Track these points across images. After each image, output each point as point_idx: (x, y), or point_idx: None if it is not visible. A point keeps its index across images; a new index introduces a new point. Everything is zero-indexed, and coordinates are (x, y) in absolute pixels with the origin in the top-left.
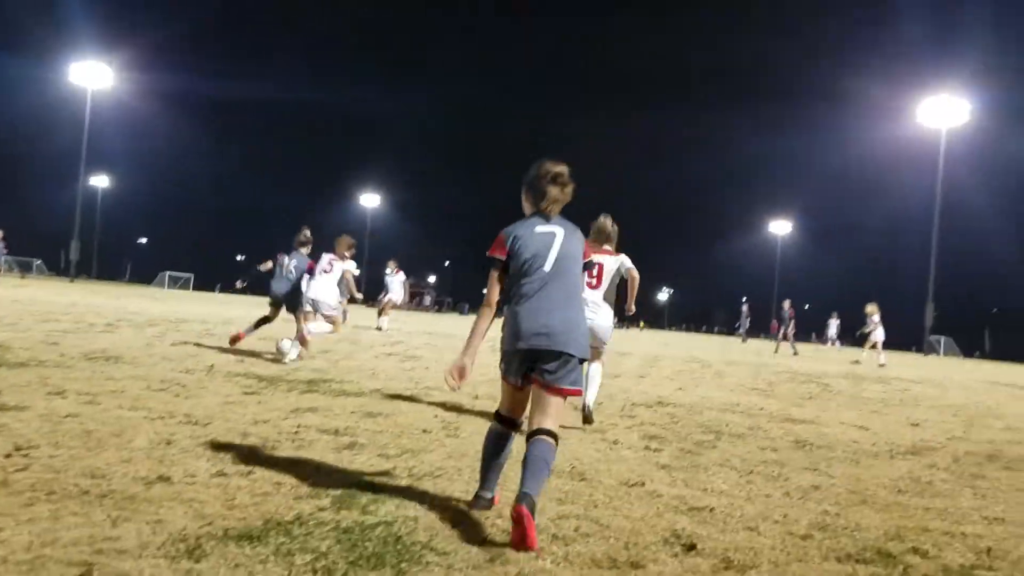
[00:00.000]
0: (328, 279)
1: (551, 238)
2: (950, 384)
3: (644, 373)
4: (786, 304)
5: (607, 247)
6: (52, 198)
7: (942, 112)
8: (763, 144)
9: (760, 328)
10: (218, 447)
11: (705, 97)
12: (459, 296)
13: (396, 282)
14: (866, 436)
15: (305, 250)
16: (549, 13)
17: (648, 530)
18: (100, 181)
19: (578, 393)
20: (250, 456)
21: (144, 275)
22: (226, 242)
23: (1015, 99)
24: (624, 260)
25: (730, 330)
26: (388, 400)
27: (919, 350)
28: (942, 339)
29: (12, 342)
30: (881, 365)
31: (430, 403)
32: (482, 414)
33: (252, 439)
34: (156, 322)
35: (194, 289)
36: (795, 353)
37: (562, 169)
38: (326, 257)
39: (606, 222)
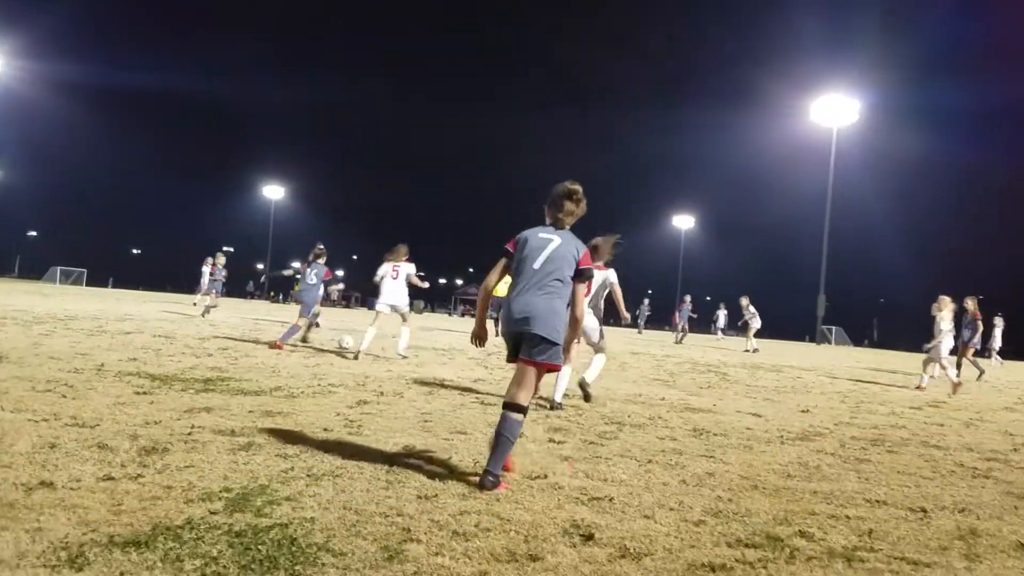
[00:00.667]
0: (399, 284)
1: (547, 243)
2: (839, 372)
3: None
4: (687, 299)
5: (598, 263)
6: None
7: (833, 111)
8: (664, 142)
9: (664, 320)
10: (106, 450)
11: (606, 96)
12: (369, 292)
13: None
14: (759, 423)
15: (322, 261)
16: (456, 12)
17: (548, 522)
18: None
19: (556, 368)
20: (140, 459)
21: (34, 270)
22: (120, 236)
23: (902, 98)
24: (610, 275)
25: (633, 323)
26: (289, 399)
27: (812, 340)
28: (833, 329)
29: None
30: (755, 351)
31: (333, 401)
32: (386, 411)
33: (143, 441)
34: (44, 319)
35: (87, 284)
36: (678, 342)
37: (577, 187)
38: (388, 265)
39: (598, 241)
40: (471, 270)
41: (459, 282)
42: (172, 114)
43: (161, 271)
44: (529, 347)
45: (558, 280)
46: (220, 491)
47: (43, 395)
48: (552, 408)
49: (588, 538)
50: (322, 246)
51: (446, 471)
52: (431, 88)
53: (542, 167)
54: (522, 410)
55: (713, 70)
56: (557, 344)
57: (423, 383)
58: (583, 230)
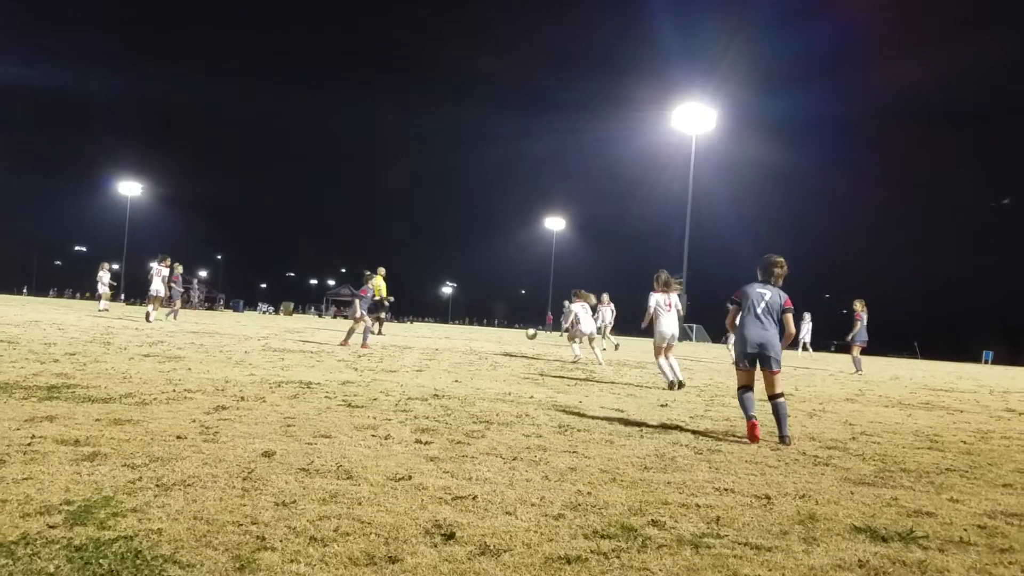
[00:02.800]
0: (588, 316)
1: (762, 296)
2: (697, 367)
3: (423, 367)
4: (566, 302)
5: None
6: None
7: (693, 119)
8: (534, 146)
9: (537, 319)
10: None
11: (477, 98)
12: (232, 292)
13: (158, 278)
14: (621, 418)
15: (372, 282)
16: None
17: (410, 523)
18: None
19: (778, 372)
20: None
21: None
22: None
23: (755, 107)
24: (674, 297)
25: (510, 323)
26: (141, 406)
27: None
28: (695, 327)
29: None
30: (616, 347)
31: (189, 407)
32: (246, 416)
33: None
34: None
35: None
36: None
37: (781, 260)
38: (578, 304)
39: (668, 277)
40: (343, 270)
41: (331, 283)
42: (14, 105)
43: (7, 271)
44: (765, 361)
45: (770, 319)
46: (60, 504)
47: None
48: (680, 386)
49: (449, 537)
50: (368, 272)
51: (306, 476)
52: (298, 85)
53: (412, 167)
54: (782, 395)
55: (582, 75)
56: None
57: (288, 386)
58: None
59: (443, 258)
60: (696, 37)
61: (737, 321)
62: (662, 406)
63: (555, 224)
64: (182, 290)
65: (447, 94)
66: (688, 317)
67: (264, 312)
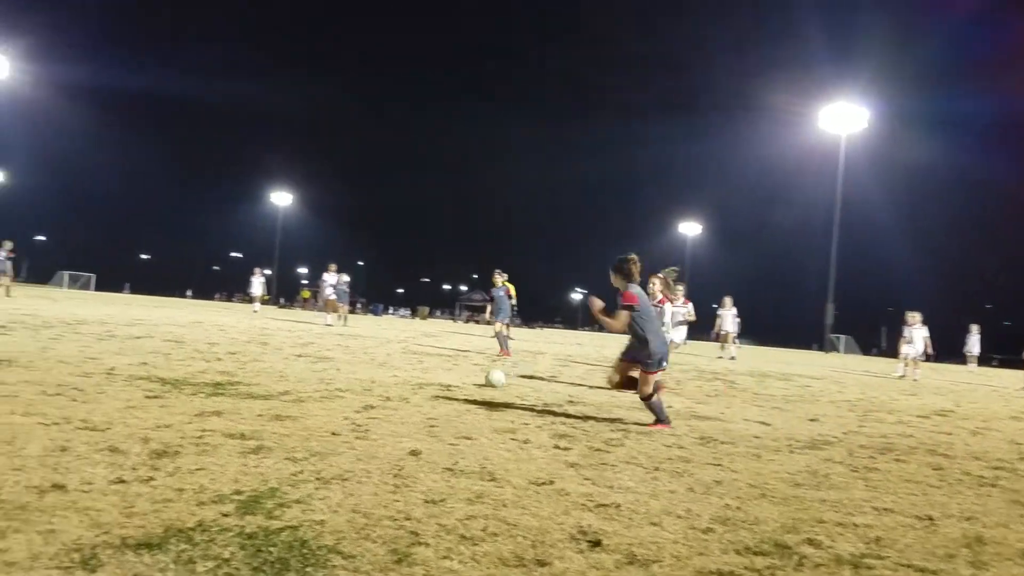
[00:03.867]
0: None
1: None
2: (848, 381)
3: (556, 373)
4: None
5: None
6: None
7: (842, 119)
8: (670, 150)
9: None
10: (117, 453)
11: (610, 103)
12: (372, 297)
13: (328, 283)
14: (767, 431)
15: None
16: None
17: (555, 528)
18: None
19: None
20: (151, 462)
21: (41, 275)
22: (129, 241)
23: (909, 106)
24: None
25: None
26: (297, 403)
27: (819, 348)
28: (842, 337)
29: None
30: (731, 358)
31: (340, 406)
32: (392, 416)
33: (154, 444)
34: (52, 324)
35: (96, 289)
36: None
37: (635, 257)
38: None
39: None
40: (475, 276)
41: (463, 288)
42: (179, 117)
43: (172, 276)
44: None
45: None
46: (231, 494)
47: (53, 399)
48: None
49: (595, 544)
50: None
51: (452, 476)
52: (437, 96)
53: (545, 174)
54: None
55: (719, 76)
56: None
57: (428, 388)
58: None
59: (574, 264)
60: (845, 31)
61: (642, 328)
62: (811, 420)
63: (690, 229)
64: (348, 295)
65: (580, 102)
66: (836, 327)
67: (401, 316)
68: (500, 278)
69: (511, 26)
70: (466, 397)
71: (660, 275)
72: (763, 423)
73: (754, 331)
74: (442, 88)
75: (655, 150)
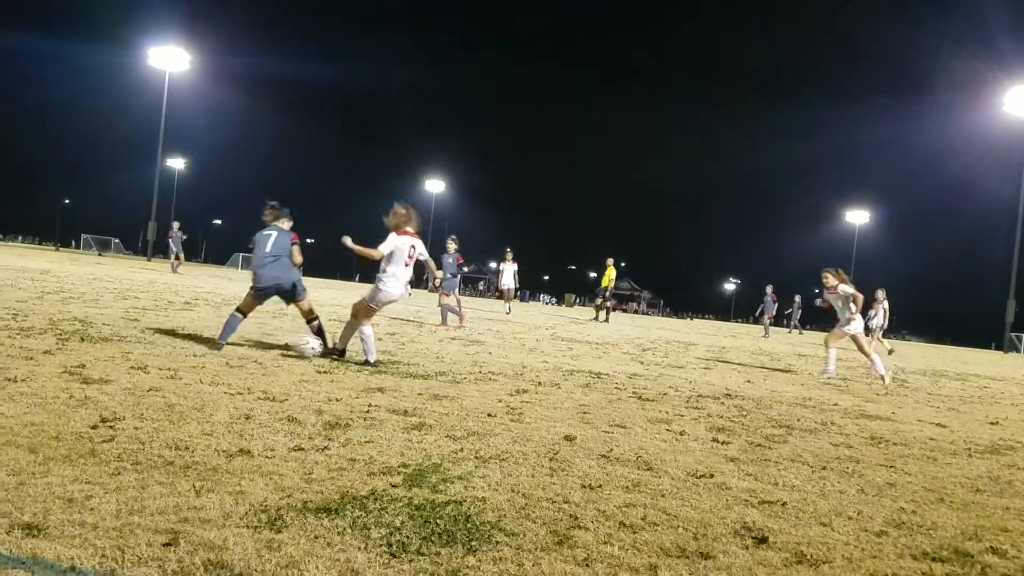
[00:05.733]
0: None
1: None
2: None
3: (710, 365)
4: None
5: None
6: (131, 180)
7: None
8: (838, 138)
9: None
10: (295, 423)
11: (773, 90)
12: (522, 283)
13: (509, 271)
14: (943, 434)
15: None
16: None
17: (718, 522)
18: (177, 163)
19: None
20: (325, 433)
21: (219, 256)
22: (298, 225)
23: None
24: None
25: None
26: (453, 384)
27: (999, 347)
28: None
29: (95, 318)
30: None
31: (494, 388)
32: (545, 400)
33: (326, 416)
34: (231, 301)
35: None
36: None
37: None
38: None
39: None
40: (622, 264)
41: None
42: (346, 106)
43: (336, 259)
44: None
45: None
46: (398, 466)
47: (237, 370)
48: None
49: (761, 541)
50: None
51: (607, 463)
52: (592, 81)
53: (700, 164)
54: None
55: (893, 58)
56: None
57: (579, 375)
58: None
59: (728, 255)
60: None
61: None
62: (992, 424)
63: (857, 217)
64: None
65: (741, 89)
66: (1017, 325)
67: (547, 303)
68: (452, 245)
69: (672, 17)
70: (617, 386)
71: (832, 271)
72: (938, 425)
73: (926, 327)
74: (597, 78)
75: (817, 138)
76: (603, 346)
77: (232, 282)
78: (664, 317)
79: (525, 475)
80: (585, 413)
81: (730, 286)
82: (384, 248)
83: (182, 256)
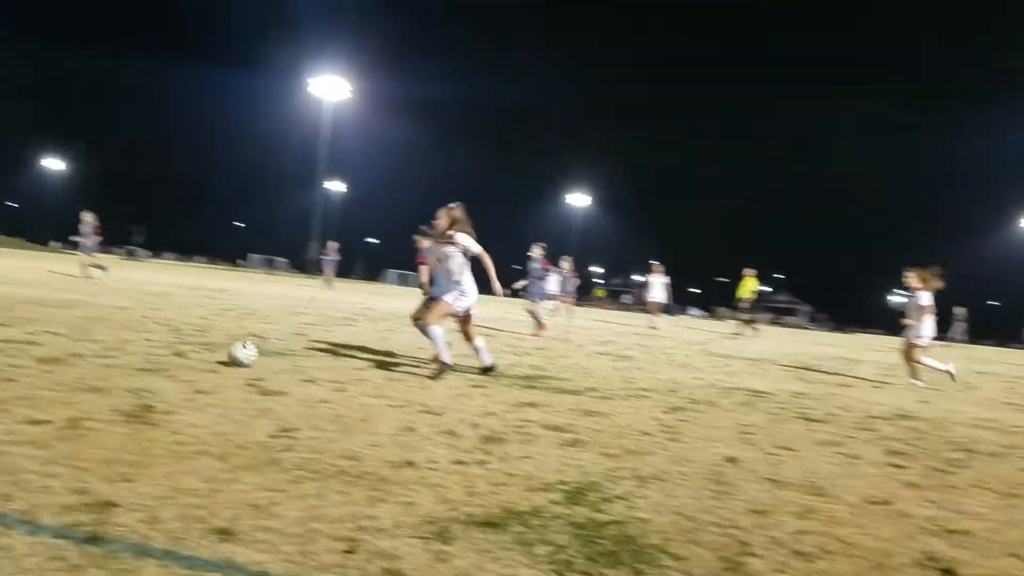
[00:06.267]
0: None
1: None
2: None
3: (880, 384)
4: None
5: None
6: (295, 202)
7: None
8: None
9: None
10: (454, 436)
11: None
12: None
13: (658, 283)
14: None
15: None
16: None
17: (900, 551)
18: (336, 186)
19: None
20: (483, 447)
21: (373, 272)
22: None
23: None
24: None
25: (976, 337)
26: (604, 400)
27: None
28: None
29: (267, 333)
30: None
31: (647, 405)
32: (702, 419)
33: (483, 430)
34: (387, 317)
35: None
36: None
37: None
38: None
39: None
40: (781, 276)
41: (766, 289)
42: (489, 123)
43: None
44: None
45: None
46: (556, 483)
47: (396, 384)
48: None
49: (947, 572)
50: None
51: (775, 487)
52: (758, 78)
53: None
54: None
55: None
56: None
57: (737, 393)
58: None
59: (891, 264)
60: None
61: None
62: None
63: None
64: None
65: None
66: None
67: (695, 316)
68: (538, 250)
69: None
70: (780, 405)
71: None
72: None
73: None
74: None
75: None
76: (761, 362)
77: (386, 299)
78: (827, 332)
79: (688, 497)
80: (746, 433)
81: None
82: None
83: (331, 274)
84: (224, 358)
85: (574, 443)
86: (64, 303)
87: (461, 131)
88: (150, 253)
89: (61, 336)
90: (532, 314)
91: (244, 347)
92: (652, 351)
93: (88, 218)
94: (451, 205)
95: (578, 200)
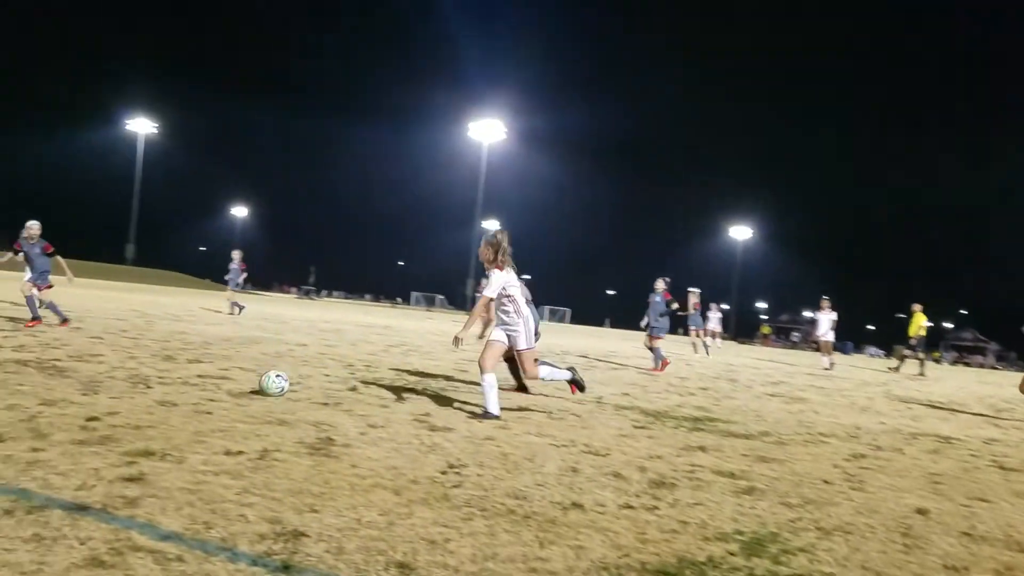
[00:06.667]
0: None
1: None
2: None
3: None
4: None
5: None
6: (451, 242)
7: None
8: None
9: None
10: (620, 479)
11: None
12: (839, 335)
13: (826, 320)
14: None
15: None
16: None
17: None
18: (491, 224)
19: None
20: (652, 491)
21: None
22: (597, 279)
23: None
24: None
25: None
26: (780, 445)
27: None
28: None
29: (432, 370)
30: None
31: (826, 452)
32: (887, 467)
33: (650, 474)
34: (544, 355)
35: (571, 322)
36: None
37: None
38: None
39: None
40: (963, 312)
41: (947, 325)
42: (640, 158)
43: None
44: None
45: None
46: (732, 532)
47: (557, 422)
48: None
49: None
50: None
51: (971, 541)
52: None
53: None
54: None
55: None
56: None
57: (924, 439)
58: None
59: None
60: None
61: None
62: None
63: None
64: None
65: None
66: None
67: (872, 355)
68: (661, 284)
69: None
70: (972, 452)
71: None
72: None
73: None
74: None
75: None
76: (947, 406)
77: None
78: (1018, 371)
79: (875, 551)
80: (937, 483)
81: None
82: (493, 291)
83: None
84: (392, 395)
85: (749, 491)
86: (250, 340)
87: (612, 165)
88: (323, 291)
89: (249, 371)
90: (652, 350)
91: (277, 377)
92: (828, 393)
93: (236, 255)
94: (492, 232)
95: (740, 233)
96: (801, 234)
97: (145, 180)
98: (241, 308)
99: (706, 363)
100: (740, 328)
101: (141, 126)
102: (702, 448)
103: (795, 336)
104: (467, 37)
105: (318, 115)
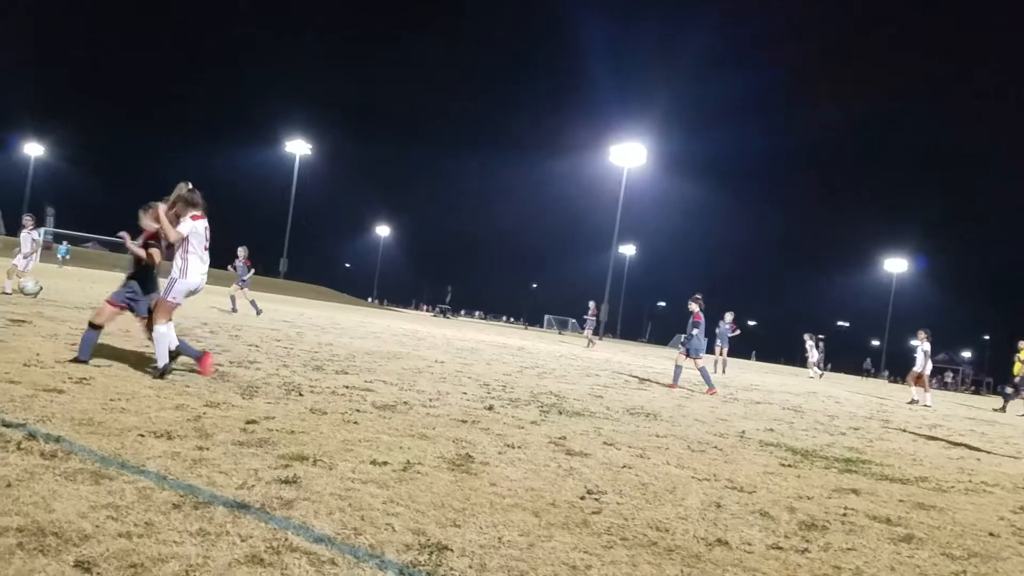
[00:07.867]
0: None
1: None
2: None
3: None
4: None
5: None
6: (588, 266)
7: None
8: None
9: None
10: (767, 518)
11: None
12: (997, 378)
13: (921, 351)
14: None
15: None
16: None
17: None
18: (628, 250)
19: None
20: (802, 533)
21: (661, 336)
22: (736, 307)
23: None
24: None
25: None
26: (939, 492)
27: None
28: None
29: (567, 393)
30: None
31: (991, 502)
32: None
33: (800, 515)
34: (681, 384)
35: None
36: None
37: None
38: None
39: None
40: None
41: None
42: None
43: (781, 343)
44: None
45: None
46: None
47: (698, 455)
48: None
49: None
50: None
51: None
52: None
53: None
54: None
55: None
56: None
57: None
58: None
59: None
60: None
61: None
62: None
63: None
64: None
65: None
66: None
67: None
68: (695, 305)
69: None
70: None
71: None
72: None
73: None
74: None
75: None
76: None
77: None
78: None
79: None
80: None
81: None
82: (183, 229)
83: (588, 332)
84: (528, 417)
85: (908, 539)
86: (391, 355)
87: (751, 191)
88: (461, 311)
89: (392, 385)
90: (704, 372)
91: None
92: (991, 440)
93: (241, 252)
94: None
95: (896, 266)
96: (964, 266)
97: (298, 198)
98: (258, 311)
99: (857, 403)
100: (893, 365)
101: (298, 147)
102: (855, 491)
103: (948, 377)
104: (607, 60)
105: (464, 147)
